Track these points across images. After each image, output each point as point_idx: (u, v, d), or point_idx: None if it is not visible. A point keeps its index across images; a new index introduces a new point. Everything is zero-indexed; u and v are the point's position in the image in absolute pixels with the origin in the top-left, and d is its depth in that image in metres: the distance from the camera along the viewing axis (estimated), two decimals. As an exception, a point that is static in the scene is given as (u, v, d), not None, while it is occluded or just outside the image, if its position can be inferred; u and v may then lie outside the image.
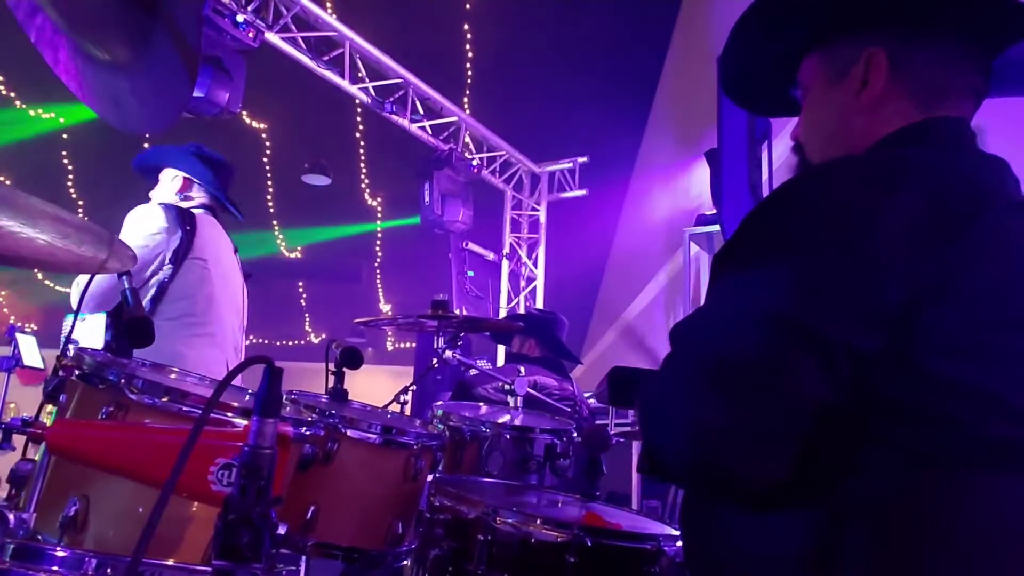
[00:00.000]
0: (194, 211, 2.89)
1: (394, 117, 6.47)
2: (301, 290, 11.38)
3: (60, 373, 1.38)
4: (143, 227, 2.69)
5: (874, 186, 0.86)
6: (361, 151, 7.98)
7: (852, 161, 0.97)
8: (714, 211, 4.50)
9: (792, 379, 0.81)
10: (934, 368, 0.83)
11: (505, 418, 2.33)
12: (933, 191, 0.85)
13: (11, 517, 1.07)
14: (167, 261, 2.70)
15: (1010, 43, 1.02)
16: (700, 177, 5.58)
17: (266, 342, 11.61)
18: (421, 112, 6.77)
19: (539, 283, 8.36)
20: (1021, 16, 0.98)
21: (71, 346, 1.49)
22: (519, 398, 2.47)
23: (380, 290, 11.33)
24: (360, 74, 6.18)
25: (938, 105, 1.01)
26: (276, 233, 9.95)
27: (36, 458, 1.27)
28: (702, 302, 0.98)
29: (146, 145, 8.03)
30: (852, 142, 1.04)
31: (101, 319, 2.65)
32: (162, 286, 2.71)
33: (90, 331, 2.68)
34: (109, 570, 1.03)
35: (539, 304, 8.18)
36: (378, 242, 10.15)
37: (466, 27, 6.66)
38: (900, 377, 0.83)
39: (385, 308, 11.54)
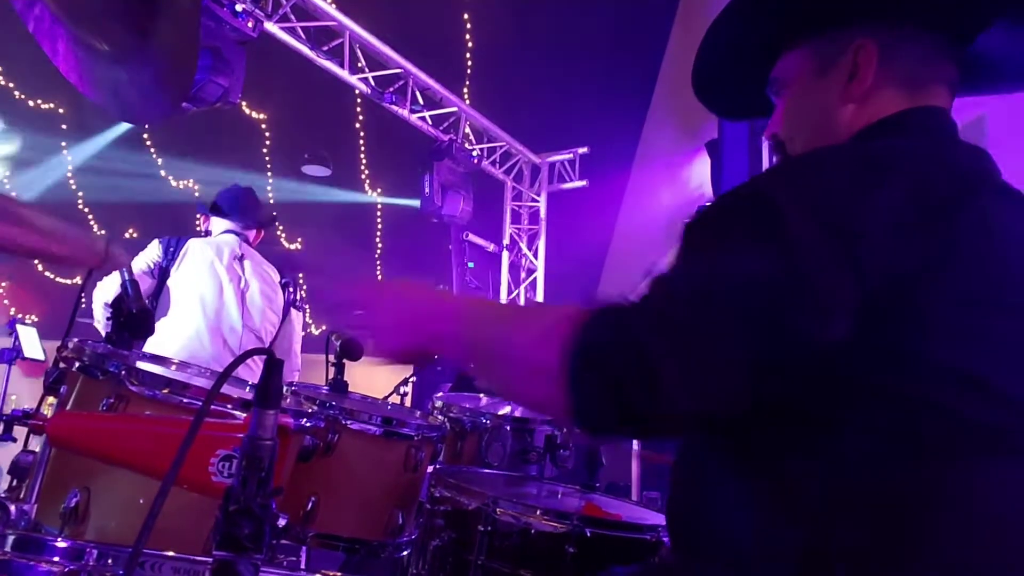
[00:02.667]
0: (209, 238, 3.44)
1: (394, 107, 6.45)
2: (301, 281, 11.37)
3: (61, 365, 1.38)
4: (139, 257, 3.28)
5: (858, 175, 0.86)
6: (361, 142, 7.96)
7: (836, 151, 0.97)
8: (714, 202, 4.49)
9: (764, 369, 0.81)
10: (920, 353, 0.83)
11: (505, 409, 2.33)
12: (917, 179, 0.85)
13: (12, 508, 1.08)
14: (149, 274, 3.21)
15: (978, 33, 1.03)
16: (701, 168, 5.58)
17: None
18: (421, 102, 6.75)
19: (539, 274, 8.35)
20: (989, 6, 1.00)
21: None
22: (519, 389, 2.47)
23: (380, 281, 11.32)
24: (360, 64, 6.16)
25: (920, 96, 1.03)
26: (276, 224, 9.94)
27: (37, 450, 1.28)
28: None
29: (146, 136, 8.03)
30: (838, 132, 1.05)
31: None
32: (155, 294, 3.23)
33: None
34: (110, 561, 1.03)
35: (539, 296, 8.18)
36: (378, 234, 10.14)
37: (466, 17, 6.63)
38: (884, 364, 0.83)
39: (385, 299, 11.52)
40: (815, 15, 1.07)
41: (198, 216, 3.62)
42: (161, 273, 3.22)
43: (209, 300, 3.22)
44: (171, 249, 3.27)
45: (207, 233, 3.54)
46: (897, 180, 0.85)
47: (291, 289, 3.54)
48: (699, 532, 0.98)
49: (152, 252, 3.26)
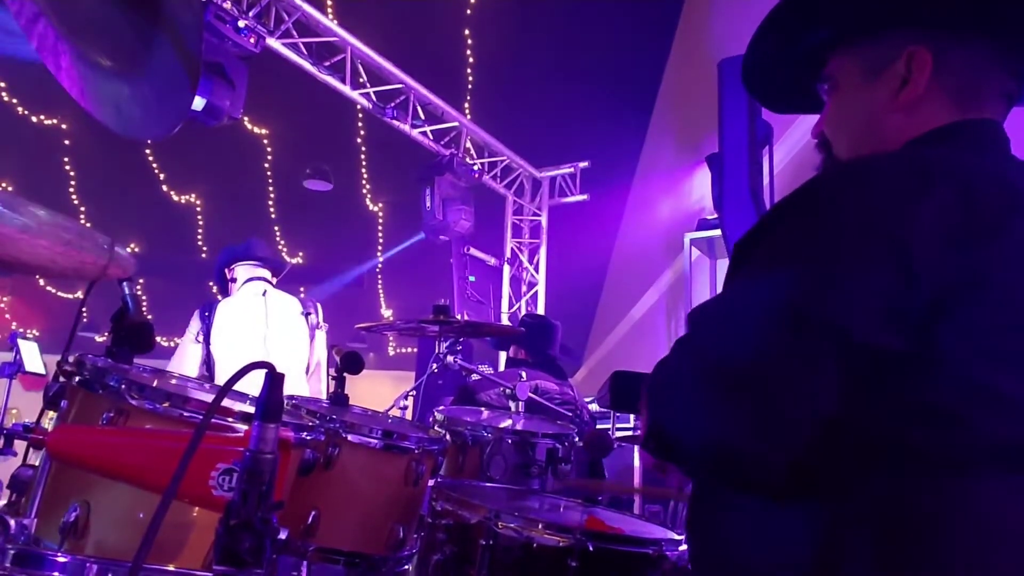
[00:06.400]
0: (234, 295, 3.66)
1: (395, 122, 6.47)
2: (302, 295, 11.36)
3: (61, 379, 1.38)
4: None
5: (907, 185, 0.85)
6: (362, 156, 7.98)
7: (885, 159, 0.95)
8: (715, 215, 4.50)
9: (809, 375, 0.81)
10: (956, 370, 0.82)
11: (507, 423, 2.33)
12: (966, 192, 0.84)
13: (12, 523, 1.07)
14: (197, 341, 3.47)
15: None
16: (701, 181, 5.59)
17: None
18: (422, 117, 6.78)
19: (540, 288, 8.35)
20: None
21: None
22: (521, 403, 2.47)
23: (381, 295, 11.34)
24: (361, 79, 6.19)
25: (972, 107, 1.00)
26: (278, 239, 9.95)
27: (37, 464, 1.27)
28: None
29: (148, 151, 8.06)
30: (883, 141, 1.03)
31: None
32: (207, 359, 3.47)
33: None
34: (110, 575, 1.02)
35: (540, 309, 8.18)
36: (379, 247, 10.16)
37: (467, 32, 6.66)
38: (919, 379, 0.82)
39: (386, 313, 11.54)
40: (865, 18, 1.05)
41: (225, 271, 3.76)
42: (206, 340, 3.46)
43: (244, 357, 3.30)
44: (206, 314, 3.51)
45: (232, 281, 3.71)
46: (945, 191, 0.84)
47: (312, 313, 3.73)
48: (718, 550, 0.98)
49: (195, 324, 3.49)
